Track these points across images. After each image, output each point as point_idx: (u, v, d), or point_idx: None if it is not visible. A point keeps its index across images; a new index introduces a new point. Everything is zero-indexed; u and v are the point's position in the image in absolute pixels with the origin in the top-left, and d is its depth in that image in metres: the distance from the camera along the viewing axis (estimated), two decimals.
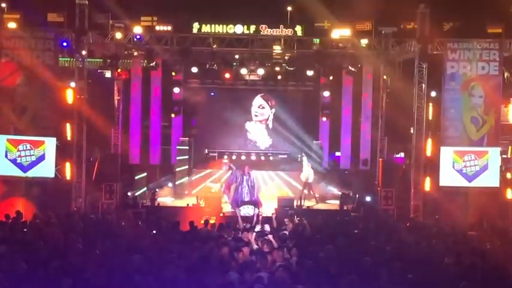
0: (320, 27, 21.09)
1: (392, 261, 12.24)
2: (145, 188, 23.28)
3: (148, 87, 25.70)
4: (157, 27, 20.32)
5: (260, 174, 24.22)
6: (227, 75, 24.38)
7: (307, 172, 23.28)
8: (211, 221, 17.64)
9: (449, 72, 20.29)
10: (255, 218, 18.66)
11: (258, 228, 15.99)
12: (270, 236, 14.94)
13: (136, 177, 23.13)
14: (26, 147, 20.03)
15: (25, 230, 14.57)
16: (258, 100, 26.93)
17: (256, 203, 20.72)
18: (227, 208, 21.47)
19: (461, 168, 20.22)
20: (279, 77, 25.06)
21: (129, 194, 21.38)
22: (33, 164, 20.08)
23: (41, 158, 20.06)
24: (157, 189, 22.72)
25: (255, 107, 26.97)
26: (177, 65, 24.34)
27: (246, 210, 19.96)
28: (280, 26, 20.97)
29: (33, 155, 20.02)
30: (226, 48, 21.64)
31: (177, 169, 24.50)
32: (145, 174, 23.85)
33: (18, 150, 20.04)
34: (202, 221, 17.05)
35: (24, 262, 11.20)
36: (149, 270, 11.04)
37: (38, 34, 20.13)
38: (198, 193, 22.93)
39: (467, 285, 10.53)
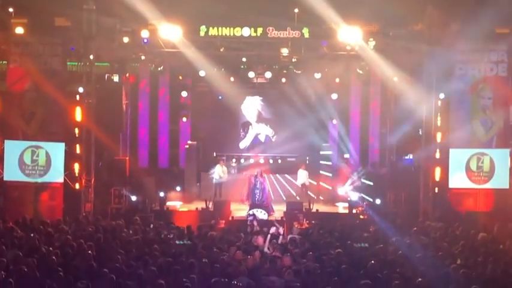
0: (327, 29, 20.91)
1: (403, 265, 12.22)
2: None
3: (156, 91, 25.75)
4: (163, 29, 20.14)
5: (270, 177, 24.19)
6: (232, 79, 24.41)
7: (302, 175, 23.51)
8: (221, 225, 17.66)
9: (457, 73, 20.22)
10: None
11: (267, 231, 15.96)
12: (279, 240, 14.97)
13: None
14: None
15: (35, 235, 14.59)
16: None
17: (267, 209, 20.71)
18: (236, 212, 21.45)
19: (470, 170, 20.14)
20: (284, 80, 24.99)
21: (133, 198, 21.32)
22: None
23: (50, 164, 20.07)
24: (161, 193, 22.49)
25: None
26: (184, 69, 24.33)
27: (258, 215, 19.93)
28: (288, 28, 20.82)
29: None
30: (234, 51, 21.64)
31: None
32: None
33: None
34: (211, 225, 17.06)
35: (35, 268, 11.24)
36: (159, 275, 11.05)
37: (45, 39, 20.15)
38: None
39: None
